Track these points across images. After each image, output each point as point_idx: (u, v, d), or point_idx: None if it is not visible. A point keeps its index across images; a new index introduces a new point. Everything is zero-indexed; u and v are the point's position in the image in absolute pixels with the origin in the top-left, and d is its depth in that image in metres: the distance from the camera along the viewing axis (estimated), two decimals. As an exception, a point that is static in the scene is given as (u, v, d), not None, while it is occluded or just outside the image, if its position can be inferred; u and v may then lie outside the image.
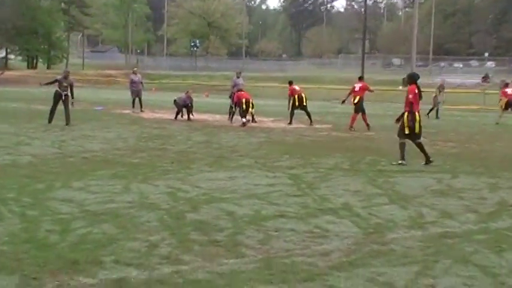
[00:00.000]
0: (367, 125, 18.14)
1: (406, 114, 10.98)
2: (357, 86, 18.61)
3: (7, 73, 64.35)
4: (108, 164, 10.45)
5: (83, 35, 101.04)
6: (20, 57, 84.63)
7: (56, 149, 12.27)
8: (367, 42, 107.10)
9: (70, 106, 17.51)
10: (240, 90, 20.09)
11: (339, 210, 7.21)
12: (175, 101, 20.96)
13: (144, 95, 25.35)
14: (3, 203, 7.16)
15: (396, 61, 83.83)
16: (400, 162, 10.96)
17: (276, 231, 6.18)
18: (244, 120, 18.75)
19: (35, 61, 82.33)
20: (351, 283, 4.68)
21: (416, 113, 10.90)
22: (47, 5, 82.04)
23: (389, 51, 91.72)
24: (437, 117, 24.64)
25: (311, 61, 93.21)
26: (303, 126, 18.89)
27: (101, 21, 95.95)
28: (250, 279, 4.72)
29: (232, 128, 18.22)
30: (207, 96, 41.70)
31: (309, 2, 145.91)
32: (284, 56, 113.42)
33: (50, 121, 17.40)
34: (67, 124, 16.99)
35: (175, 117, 20.57)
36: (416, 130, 10.92)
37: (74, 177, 8.99)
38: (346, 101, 18.93)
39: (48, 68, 79.63)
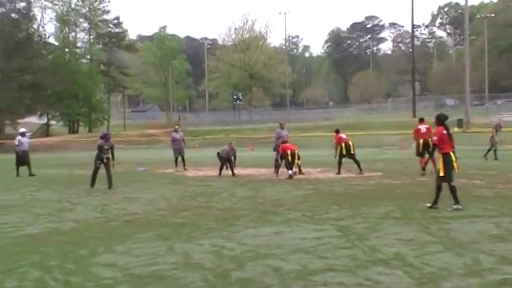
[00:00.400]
0: (424, 168, 18.37)
1: (441, 157, 11.21)
2: (423, 127, 18.78)
3: (49, 139, 66.52)
4: (151, 225, 10.68)
5: (123, 96, 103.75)
6: (61, 123, 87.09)
7: (98, 214, 12.60)
8: (417, 83, 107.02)
9: (111, 169, 17.99)
10: (285, 141, 20.32)
11: (390, 261, 7.22)
12: (218, 154, 21.31)
13: (187, 153, 25.80)
14: (47, 271, 7.41)
15: (450, 101, 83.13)
16: (455, 207, 10.95)
17: (324, 286, 6.24)
18: (290, 172, 18.91)
19: (76, 125, 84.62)
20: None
21: (451, 154, 11.11)
22: (86, 68, 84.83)
23: (441, 91, 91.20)
24: (495, 158, 24.38)
25: (359, 107, 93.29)
26: (352, 175, 18.92)
27: (140, 81, 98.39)
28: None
29: (278, 181, 18.38)
30: (252, 149, 42.14)
31: (354, 46, 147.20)
32: (330, 103, 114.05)
33: (92, 185, 17.87)
34: (109, 187, 17.42)
35: (220, 173, 20.87)
36: (456, 170, 11.20)
37: (116, 241, 9.24)
38: (414, 145, 19.13)
39: (89, 131, 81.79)
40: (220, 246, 8.50)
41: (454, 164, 11.13)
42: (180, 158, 24.63)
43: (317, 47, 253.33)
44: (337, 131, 20.48)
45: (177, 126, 28.02)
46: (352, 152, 19.79)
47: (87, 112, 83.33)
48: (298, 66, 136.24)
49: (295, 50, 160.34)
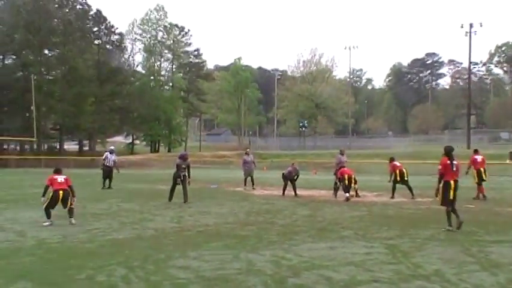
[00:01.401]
0: (484, 195, 18.86)
1: (441, 184, 11.74)
2: (479, 157, 19.18)
3: (133, 157, 68.45)
4: (220, 236, 11.16)
5: (200, 120, 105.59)
6: (144, 142, 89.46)
7: (175, 224, 13.17)
8: (474, 117, 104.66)
9: (187, 185, 18.61)
10: (343, 166, 20.53)
11: (431, 276, 7.44)
12: (283, 174, 21.65)
13: (256, 173, 26.22)
14: (130, 270, 7.98)
15: (504, 135, 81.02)
16: (448, 228, 11.58)
17: (369, 294, 6.54)
18: (347, 195, 19.09)
19: (157, 145, 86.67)
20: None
21: (452, 182, 11.57)
22: (168, 94, 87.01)
23: (496, 125, 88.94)
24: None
25: (417, 137, 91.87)
26: (404, 199, 18.93)
27: (216, 107, 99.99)
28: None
29: (336, 202, 18.58)
30: (315, 173, 42.23)
31: (414, 80, 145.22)
32: (390, 133, 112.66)
33: (170, 199, 18.49)
34: (185, 202, 17.99)
35: (283, 193, 21.21)
36: (450, 197, 11.61)
37: (190, 248, 9.75)
38: (468, 173, 19.25)
39: (169, 151, 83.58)
40: (280, 256, 8.89)
41: (451, 192, 11.59)
42: (249, 178, 25.09)
43: (379, 80, 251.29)
44: (392, 159, 20.53)
45: (248, 150, 28.42)
46: (405, 178, 19.81)
47: (168, 134, 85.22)
48: (361, 97, 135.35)
49: (358, 83, 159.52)
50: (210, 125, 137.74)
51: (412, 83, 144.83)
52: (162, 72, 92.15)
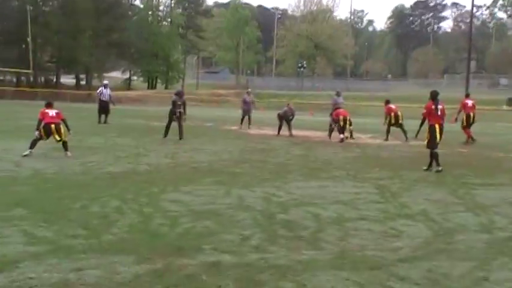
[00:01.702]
0: (472, 138, 19.13)
1: (428, 128, 12.27)
2: (470, 102, 19.21)
3: (130, 92, 68.32)
4: (213, 173, 11.36)
5: (198, 57, 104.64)
6: (141, 78, 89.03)
7: (169, 160, 13.37)
8: (474, 61, 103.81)
9: (183, 122, 18.74)
10: (339, 107, 20.64)
11: (416, 216, 7.67)
12: (279, 114, 21.78)
13: (253, 113, 26.24)
14: (124, 202, 8.18)
15: (504, 81, 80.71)
16: (436, 169, 11.94)
17: (355, 231, 6.77)
18: (342, 136, 19.27)
19: (154, 82, 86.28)
20: (412, 272, 5.22)
21: (437, 126, 11.99)
22: (166, 30, 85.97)
23: (497, 71, 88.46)
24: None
25: (416, 81, 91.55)
26: (398, 142, 19.13)
27: (214, 44, 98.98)
28: (325, 265, 5.37)
29: (330, 143, 18.79)
30: (312, 114, 42.36)
31: (416, 23, 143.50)
32: (389, 76, 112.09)
33: (165, 135, 18.65)
34: (180, 139, 18.16)
35: (278, 133, 21.39)
36: (438, 139, 12.07)
37: (183, 183, 9.95)
38: (458, 118, 19.46)
39: (166, 88, 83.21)
40: (271, 193, 9.10)
41: (437, 135, 11.98)
42: (246, 117, 25.22)
43: (380, 22, 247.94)
44: (388, 102, 20.64)
45: (249, 90, 28.35)
46: (400, 122, 19.96)
47: (165, 70, 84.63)
48: (361, 39, 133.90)
49: (359, 24, 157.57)
50: (208, 63, 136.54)
51: (414, 25, 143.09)
52: (161, 7, 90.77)
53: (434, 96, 12.39)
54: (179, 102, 18.67)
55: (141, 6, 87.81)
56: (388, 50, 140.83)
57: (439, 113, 12.17)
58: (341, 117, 19.46)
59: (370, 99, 54.99)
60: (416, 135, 12.78)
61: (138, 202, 8.17)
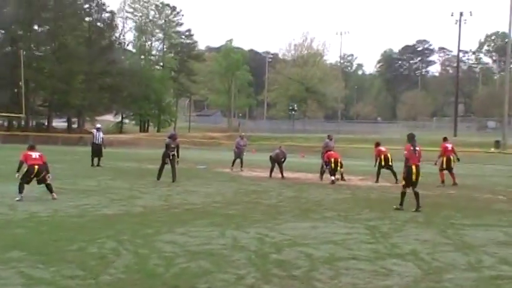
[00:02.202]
0: (455, 182, 19.25)
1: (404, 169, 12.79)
2: (449, 145, 19.59)
3: (122, 136, 68.58)
4: (207, 214, 11.52)
5: (190, 100, 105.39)
6: (133, 122, 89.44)
7: (163, 202, 13.51)
8: (462, 105, 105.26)
9: (176, 165, 18.93)
10: (330, 150, 20.94)
11: (406, 255, 7.84)
12: (271, 157, 22.02)
13: (245, 156, 26.43)
14: (120, 243, 8.31)
15: (491, 124, 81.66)
16: (398, 207, 12.65)
17: (346, 270, 6.94)
18: (333, 178, 19.50)
19: (146, 125, 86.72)
20: (402, 310, 5.38)
21: (413, 167, 12.45)
22: (159, 74, 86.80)
23: (484, 114, 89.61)
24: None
25: (405, 123, 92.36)
26: (388, 184, 19.37)
27: (206, 88, 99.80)
28: (317, 304, 5.52)
29: (321, 185, 19.00)
30: (303, 156, 42.65)
31: (404, 67, 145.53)
32: (379, 118, 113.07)
33: (158, 178, 18.81)
34: (173, 181, 18.31)
35: (270, 175, 21.59)
36: (413, 180, 12.58)
37: (177, 224, 10.09)
38: (437, 162, 19.75)
39: (158, 131, 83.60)
40: (264, 234, 9.26)
41: (413, 176, 12.55)
42: (238, 160, 25.44)
43: (370, 66, 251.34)
44: (378, 144, 20.95)
45: (243, 134, 28.46)
46: (390, 164, 20.25)
47: (157, 113, 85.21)
48: (351, 82, 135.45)
49: (349, 68, 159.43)
50: (200, 106, 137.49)
51: (403, 69, 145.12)
52: (153, 52, 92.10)
53: (411, 138, 12.95)
54: (172, 145, 18.91)
55: (134, 50, 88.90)
56: (378, 93, 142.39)
57: (417, 154, 12.72)
58: (332, 160, 19.74)
59: (361, 141, 55.41)
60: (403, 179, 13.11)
61: (133, 243, 8.31)
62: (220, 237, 8.99)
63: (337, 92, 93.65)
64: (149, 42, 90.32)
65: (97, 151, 25.50)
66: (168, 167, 18.78)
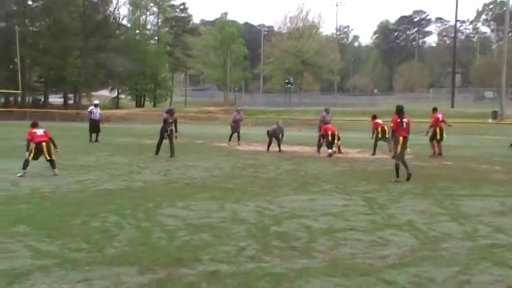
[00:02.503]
0: (440, 153, 19.73)
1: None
2: (440, 116, 19.83)
3: (118, 111, 68.52)
4: (206, 188, 11.68)
5: (185, 75, 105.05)
6: (129, 97, 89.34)
7: (162, 177, 13.66)
8: (459, 76, 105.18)
9: (174, 140, 19.05)
10: (327, 123, 21.08)
11: (403, 226, 8.03)
12: (268, 132, 22.15)
13: (241, 130, 26.61)
14: (122, 217, 8.48)
15: (489, 94, 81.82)
16: (396, 179, 12.88)
17: (344, 240, 7.12)
18: (330, 151, 19.67)
19: (142, 100, 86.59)
20: (399, 277, 5.58)
21: (400, 138, 12.87)
22: (154, 48, 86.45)
23: (482, 84, 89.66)
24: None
25: (402, 95, 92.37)
26: (385, 156, 19.53)
27: (202, 62, 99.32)
28: (317, 273, 5.71)
29: (319, 158, 19.18)
30: (300, 130, 42.83)
31: (401, 38, 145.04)
32: (375, 90, 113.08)
33: (157, 153, 18.94)
34: (171, 156, 18.44)
35: (268, 149, 21.74)
36: (398, 151, 13.01)
37: (177, 198, 10.25)
38: (429, 132, 20.05)
39: (154, 105, 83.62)
40: (263, 207, 9.43)
41: (399, 147, 12.98)
42: (235, 134, 25.59)
43: (366, 38, 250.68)
44: (374, 117, 21.08)
45: (239, 108, 28.70)
46: (387, 136, 20.38)
47: (153, 88, 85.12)
48: (347, 54, 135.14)
49: (345, 40, 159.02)
50: (195, 81, 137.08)
51: (399, 40, 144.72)
52: (148, 26, 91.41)
53: (399, 110, 13.33)
54: (170, 120, 18.98)
55: (129, 25, 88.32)
56: (374, 64, 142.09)
57: (404, 126, 13.09)
58: (329, 132, 19.89)
59: (357, 114, 55.57)
60: (390, 150, 13.60)
61: (135, 217, 8.47)
62: (220, 210, 9.16)
63: (333, 64, 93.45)
64: (144, 17, 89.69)
65: (95, 127, 25.60)
66: (166, 142, 18.89)
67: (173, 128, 18.99)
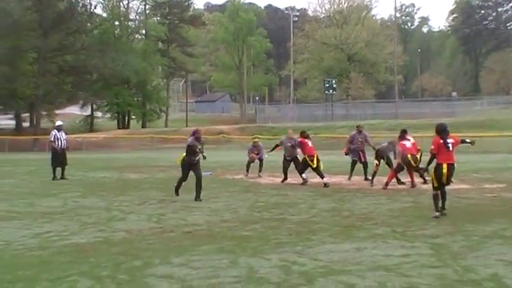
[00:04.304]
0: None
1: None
2: (409, 143, 20.60)
3: (93, 135, 69.04)
4: (213, 238, 11.95)
5: (185, 82, 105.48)
6: (108, 115, 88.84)
7: (153, 224, 13.94)
8: None
9: (200, 172, 18.59)
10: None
11: (483, 282, 8.22)
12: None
13: (266, 157, 26.59)
14: (98, 281, 8.77)
15: None
16: (435, 215, 13.62)
17: (400, 304, 7.35)
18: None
19: (127, 118, 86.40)
20: None
21: (444, 166, 13.53)
22: (141, 46, 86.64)
23: None
24: None
25: (493, 99, 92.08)
26: (465, 186, 19.67)
27: (208, 63, 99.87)
28: None
29: (371, 191, 19.38)
30: (346, 153, 42.87)
31: (489, 18, 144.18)
32: (454, 94, 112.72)
33: (176, 193, 18.77)
34: (197, 198, 17.90)
35: (303, 181, 22.01)
36: (443, 181, 13.73)
37: (174, 253, 10.53)
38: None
39: (143, 126, 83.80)
40: (291, 261, 9.68)
41: (443, 177, 13.67)
42: (255, 163, 25.80)
43: (439, 20, 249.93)
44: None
45: (256, 140, 27.98)
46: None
47: (141, 102, 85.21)
48: (412, 45, 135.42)
49: (408, 24, 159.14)
50: (200, 89, 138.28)
51: (487, 21, 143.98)
52: (131, 16, 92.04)
53: (442, 130, 13.88)
54: (199, 147, 18.44)
55: (104, 15, 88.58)
56: (452, 57, 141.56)
57: (451, 148, 13.66)
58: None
59: (430, 128, 55.36)
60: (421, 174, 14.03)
61: (116, 280, 8.75)
62: (231, 267, 9.41)
63: (393, 59, 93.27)
64: (125, 3, 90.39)
65: (60, 158, 25.90)
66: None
67: (200, 157, 18.51)
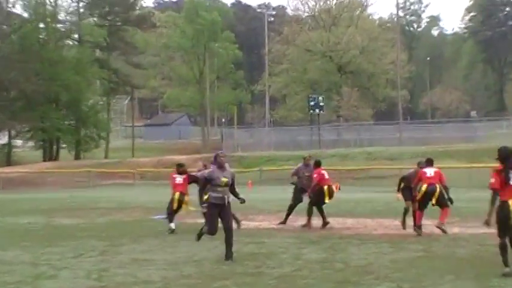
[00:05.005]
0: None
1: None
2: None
3: (12, 169, 68.75)
4: (172, 299, 12.00)
5: (131, 100, 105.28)
6: (31, 143, 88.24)
7: (93, 282, 13.87)
8: None
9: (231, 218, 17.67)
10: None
11: None
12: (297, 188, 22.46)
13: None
14: None
15: None
16: (505, 272, 12.82)
17: None
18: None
19: (55, 147, 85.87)
20: None
21: (510, 203, 12.67)
22: (73, 54, 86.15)
23: None
24: None
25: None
26: (487, 231, 19.82)
27: (160, 75, 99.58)
28: None
29: (370, 237, 19.51)
30: (338, 188, 43.09)
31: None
32: (473, 113, 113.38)
33: (198, 238, 17.78)
34: (228, 257, 16.31)
35: (284, 221, 22.15)
36: (510, 224, 12.79)
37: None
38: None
39: (77, 157, 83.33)
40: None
41: (510, 221, 12.69)
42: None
43: (453, 21, 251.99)
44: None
45: (220, 152, 28.10)
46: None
47: (74, 126, 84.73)
48: (419, 52, 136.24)
49: (414, 25, 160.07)
50: (150, 110, 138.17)
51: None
52: (61, 16, 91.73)
53: (505, 157, 13.08)
54: (228, 179, 16.58)
55: (25, 15, 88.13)
56: (470, 68, 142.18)
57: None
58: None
59: (443, 156, 55.77)
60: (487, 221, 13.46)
61: None
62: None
63: (395, 69, 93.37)
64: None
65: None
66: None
67: (231, 196, 16.77)
